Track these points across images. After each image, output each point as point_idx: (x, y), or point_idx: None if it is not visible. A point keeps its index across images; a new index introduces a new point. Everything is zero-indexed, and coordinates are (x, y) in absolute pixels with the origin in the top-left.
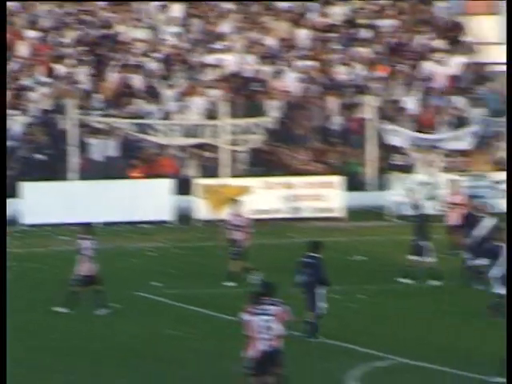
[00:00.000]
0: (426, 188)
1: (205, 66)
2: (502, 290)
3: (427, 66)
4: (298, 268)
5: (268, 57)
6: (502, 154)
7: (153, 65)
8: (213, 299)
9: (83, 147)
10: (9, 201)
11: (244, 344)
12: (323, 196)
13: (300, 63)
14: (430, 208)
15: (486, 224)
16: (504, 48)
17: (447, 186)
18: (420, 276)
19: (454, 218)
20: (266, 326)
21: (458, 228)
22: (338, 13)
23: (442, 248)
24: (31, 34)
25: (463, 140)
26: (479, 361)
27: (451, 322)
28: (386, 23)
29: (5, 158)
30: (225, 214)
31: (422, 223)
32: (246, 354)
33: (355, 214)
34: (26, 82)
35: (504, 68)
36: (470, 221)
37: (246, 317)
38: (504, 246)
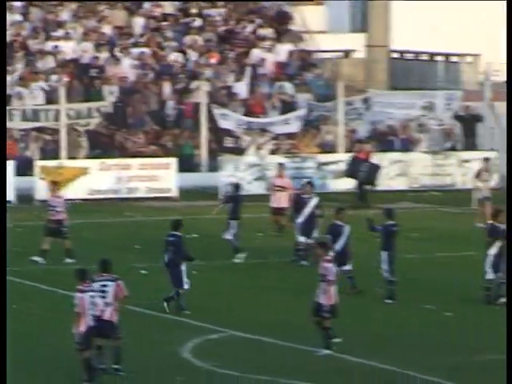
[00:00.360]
0: (254, 169)
1: (44, 52)
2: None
3: (256, 53)
4: (164, 247)
5: (105, 44)
6: (327, 136)
7: None
8: (50, 275)
9: None
10: None
11: (75, 320)
12: (158, 177)
13: (135, 50)
14: (259, 188)
15: (312, 204)
16: (329, 36)
17: (274, 168)
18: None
19: (278, 200)
20: (94, 302)
21: (282, 210)
22: (171, 3)
23: (268, 227)
24: None
25: (291, 124)
26: (308, 335)
27: (282, 297)
28: (216, 12)
29: (5, 158)
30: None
31: (236, 203)
32: (76, 330)
33: (189, 194)
34: None
35: (328, 55)
36: (298, 202)
37: (77, 293)
38: (342, 224)
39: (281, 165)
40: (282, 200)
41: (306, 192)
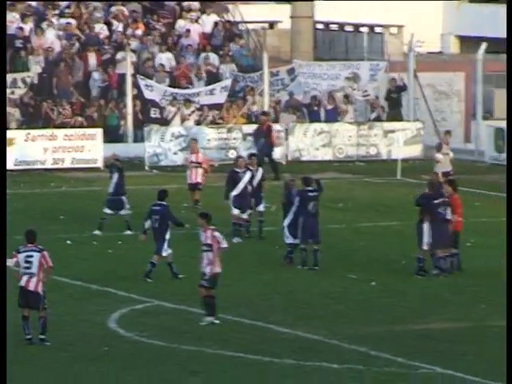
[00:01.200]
0: (180, 140)
1: None
2: (290, 240)
3: (182, 25)
4: (147, 215)
5: (30, 15)
6: (253, 107)
7: None
8: None
9: None
10: None
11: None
12: (84, 147)
13: (61, 21)
14: (184, 159)
15: (246, 179)
16: (253, 7)
17: (191, 144)
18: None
19: (194, 175)
20: (20, 273)
21: (197, 185)
22: None
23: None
24: None
25: (216, 94)
26: (234, 305)
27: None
28: None
29: (5, 158)
30: None
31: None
32: None
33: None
34: None
35: (253, 26)
36: (232, 176)
37: (8, 262)
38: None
39: (194, 140)
40: (197, 175)
41: (240, 165)
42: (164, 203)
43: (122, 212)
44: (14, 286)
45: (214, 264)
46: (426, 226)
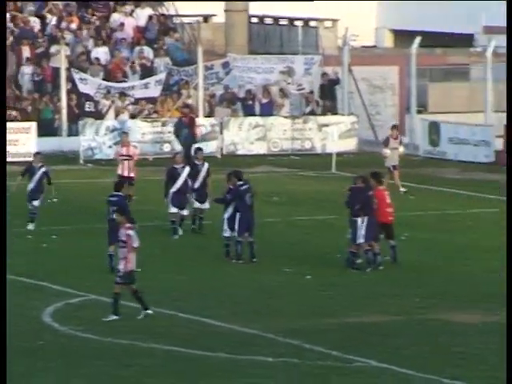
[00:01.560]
0: (114, 133)
1: None
2: (227, 233)
3: (116, 18)
4: (106, 207)
5: None
6: (188, 101)
7: None
8: None
9: None
10: None
11: None
12: (19, 141)
13: None
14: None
15: (184, 174)
16: (188, 1)
17: (123, 138)
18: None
19: (125, 169)
20: None
21: (128, 179)
22: None
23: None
24: None
25: (150, 88)
26: (171, 299)
27: (145, 262)
28: None
29: (5, 158)
30: None
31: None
32: None
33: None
34: None
35: (188, 20)
36: (171, 173)
37: None
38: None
39: (125, 133)
40: (128, 169)
41: (177, 161)
42: (121, 194)
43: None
44: None
45: (128, 261)
46: (360, 220)
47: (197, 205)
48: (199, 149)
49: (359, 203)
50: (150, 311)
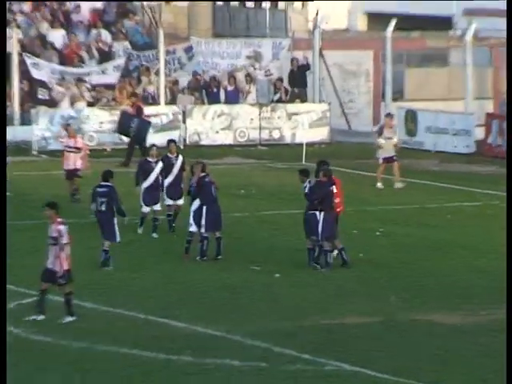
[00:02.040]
0: (70, 122)
1: None
2: (193, 228)
3: (71, 0)
4: (91, 198)
5: None
6: (149, 87)
7: None
8: None
9: None
10: None
11: None
12: None
13: None
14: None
15: (157, 169)
16: None
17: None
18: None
19: (71, 162)
20: None
21: (75, 172)
22: None
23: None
24: None
25: (108, 74)
26: (132, 300)
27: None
28: None
29: (5, 158)
30: None
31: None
32: None
33: None
34: None
35: (148, 1)
36: (143, 166)
37: None
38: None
39: (68, 125)
40: (75, 162)
41: (152, 154)
42: (110, 184)
43: None
44: None
45: (62, 259)
46: (320, 215)
47: (169, 202)
48: (172, 141)
49: (319, 197)
50: (71, 318)
